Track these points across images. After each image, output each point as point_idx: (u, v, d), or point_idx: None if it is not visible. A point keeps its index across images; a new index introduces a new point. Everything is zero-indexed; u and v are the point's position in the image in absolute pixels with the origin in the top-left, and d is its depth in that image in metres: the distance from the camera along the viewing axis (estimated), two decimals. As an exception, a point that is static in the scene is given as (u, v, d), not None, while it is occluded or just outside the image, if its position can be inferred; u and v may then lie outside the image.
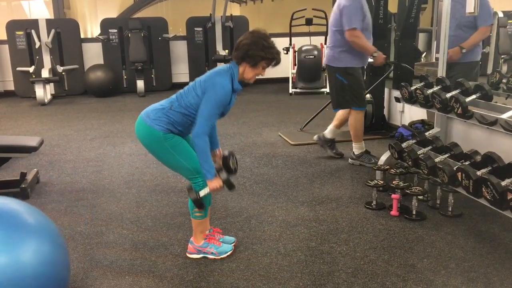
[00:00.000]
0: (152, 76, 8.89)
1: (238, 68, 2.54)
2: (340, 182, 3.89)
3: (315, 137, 4.60)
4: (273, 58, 2.53)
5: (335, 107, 4.37)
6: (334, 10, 4.12)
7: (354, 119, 4.23)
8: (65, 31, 8.55)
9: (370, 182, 3.40)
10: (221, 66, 2.62)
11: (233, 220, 3.18)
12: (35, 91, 7.81)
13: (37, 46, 8.20)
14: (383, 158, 3.85)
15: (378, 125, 5.45)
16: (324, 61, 4.24)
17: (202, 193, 2.52)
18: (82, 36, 8.90)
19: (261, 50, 2.48)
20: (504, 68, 5.33)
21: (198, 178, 2.55)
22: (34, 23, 8.33)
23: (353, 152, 4.34)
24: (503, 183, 2.59)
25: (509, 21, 5.49)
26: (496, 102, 3.21)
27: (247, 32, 2.56)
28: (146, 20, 8.92)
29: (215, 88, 2.46)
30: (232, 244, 2.79)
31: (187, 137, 2.63)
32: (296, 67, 8.40)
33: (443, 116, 3.53)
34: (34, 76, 8.02)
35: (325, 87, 8.35)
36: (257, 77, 2.61)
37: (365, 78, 4.94)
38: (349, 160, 4.38)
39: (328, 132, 4.49)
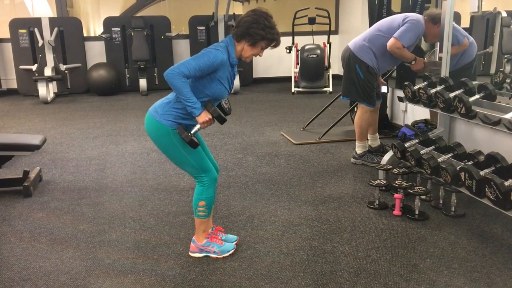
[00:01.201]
0: (155, 75, 8.89)
1: (235, 44, 2.51)
2: (342, 182, 3.89)
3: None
4: (273, 39, 2.49)
5: (344, 95, 4.37)
6: (391, 18, 4.09)
7: (360, 117, 4.22)
8: (68, 30, 8.55)
9: (372, 181, 3.40)
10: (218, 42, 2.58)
11: (236, 219, 3.18)
12: (38, 90, 7.82)
13: (40, 45, 8.20)
14: (385, 158, 3.84)
15: (381, 125, 5.41)
16: (350, 45, 4.14)
17: (193, 130, 2.47)
18: (85, 35, 8.89)
19: (261, 30, 2.44)
20: (508, 68, 5.30)
21: (204, 177, 2.55)
22: (37, 22, 8.34)
23: (356, 152, 4.33)
24: (507, 183, 2.58)
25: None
26: (500, 102, 3.20)
27: (250, 10, 2.51)
28: (149, 19, 8.92)
29: (206, 51, 2.43)
30: (234, 243, 2.79)
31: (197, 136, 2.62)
32: (298, 66, 8.39)
33: (446, 115, 3.52)
34: (37, 75, 8.02)
35: (328, 86, 8.36)
36: (254, 56, 2.56)
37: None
38: (351, 159, 4.37)
39: (371, 142, 4.45)
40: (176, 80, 2.36)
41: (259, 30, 2.44)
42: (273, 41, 2.50)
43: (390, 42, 3.90)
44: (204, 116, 2.43)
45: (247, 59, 2.56)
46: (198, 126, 2.47)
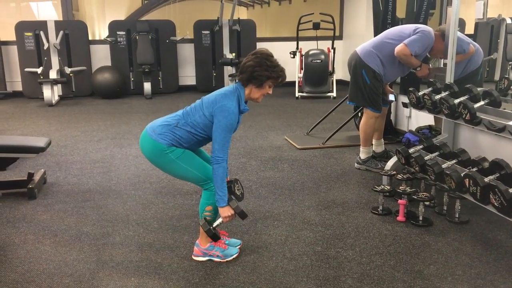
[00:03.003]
0: (159, 78, 8.92)
1: (244, 90, 2.58)
2: (346, 187, 3.89)
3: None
4: (278, 76, 2.55)
5: (351, 100, 4.37)
6: (402, 27, 4.10)
7: (366, 123, 4.20)
8: (73, 33, 8.60)
9: (376, 187, 3.39)
10: (227, 87, 2.64)
11: (239, 223, 3.18)
12: (42, 92, 7.86)
13: (45, 47, 8.25)
14: (390, 164, 3.83)
15: (385, 130, 5.41)
16: (358, 50, 4.15)
17: (215, 224, 2.57)
18: (90, 38, 8.94)
19: (265, 70, 2.51)
20: (512, 74, 5.30)
21: (210, 183, 2.56)
22: (42, 25, 8.39)
23: (360, 157, 4.33)
24: (511, 190, 2.57)
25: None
26: (505, 109, 3.20)
27: (250, 54, 2.58)
28: (154, 23, 8.96)
29: (223, 113, 2.48)
30: (238, 247, 2.79)
31: (194, 150, 2.66)
32: (302, 71, 8.40)
33: (451, 122, 3.52)
34: (42, 77, 8.07)
35: (332, 91, 8.37)
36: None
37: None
38: (355, 164, 4.37)
39: (376, 147, 4.46)
40: (220, 168, 2.47)
41: (263, 72, 2.51)
42: (279, 78, 2.57)
43: (399, 47, 3.89)
44: (227, 211, 2.52)
45: (257, 99, 2.63)
46: (220, 220, 2.57)
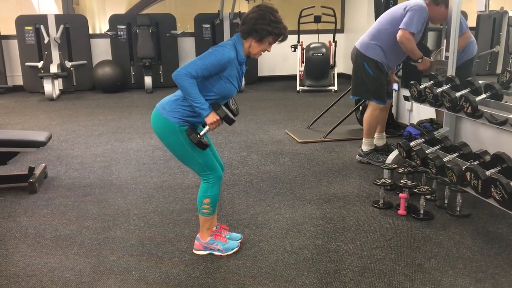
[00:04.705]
0: (160, 72, 8.91)
1: (243, 42, 2.50)
2: (347, 181, 3.88)
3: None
4: (280, 33, 2.47)
5: (354, 94, 4.37)
6: (392, 10, 4.05)
7: (370, 114, 4.19)
8: (73, 27, 8.58)
9: (377, 180, 3.39)
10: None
11: (240, 217, 3.18)
12: (43, 86, 7.85)
13: (45, 42, 8.23)
14: (391, 157, 3.83)
15: (386, 124, 5.42)
16: (357, 44, 4.13)
17: (202, 132, 2.47)
18: (90, 32, 8.91)
19: (268, 25, 2.42)
20: (514, 67, 5.27)
21: (209, 175, 2.55)
22: (43, 19, 8.36)
23: (362, 149, 4.32)
24: (513, 184, 2.57)
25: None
26: (506, 102, 3.18)
27: (254, 6, 2.49)
28: (155, 16, 8.93)
29: (215, 48, 2.43)
30: (239, 241, 2.78)
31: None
32: (304, 65, 8.38)
33: (452, 115, 3.51)
34: (42, 71, 8.06)
35: (333, 85, 8.34)
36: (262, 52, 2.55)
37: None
38: (357, 157, 4.36)
39: (377, 141, 4.43)
40: (184, 81, 2.36)
41: (266, 26, 2.42)
42: (280, 35, 2.48)
43: (399, 34, 3.85)
44: (212, 117, 2.41)
45: (255, 55, 2.54)
46: (207, 128, 2.46)
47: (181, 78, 2.36)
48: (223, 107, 2.45)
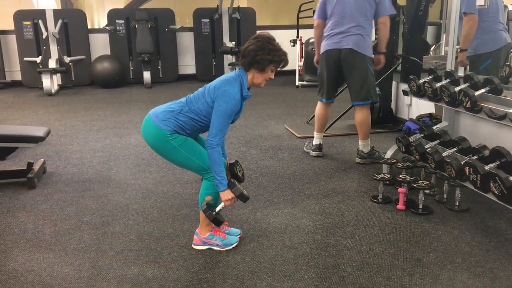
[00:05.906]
0: (159, 67, 8.89)
1: (246, 75, 2.55)
2: (346, 176, 3.88)
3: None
4: (281, 60, 2.54)
5: (365, 99, 4.04)
6: None
7: (367, 115, 4.09)
8: (72, 22, 8.55)
9: (376, 175, 3.39)
10: (230, 73, 2.62)
11: (239, 212, 3.18)
12: (42, 82, 7.83)
13: (44, 37, 8.20)
14: (390, 152, 3.82)
15: (385, 119, 5.42)
16: (350, 46, 3.90)
17: (217, 209, 2.55)
18: (89, 27, 8.89)
19: (267, 54, 2.48)
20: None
21: (210, 173, 2.55)
22: (41, 13, 8.33)
23: (362, 151, 4.17)
24: (511, 178, 2.57)
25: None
26: (506, 96, 3.18)
27: (251, 38, 2.56)
28: (153, 11, 8.90)
29: (224, 97, 2.46)
30: (238, 236, 2.79)
31: (195, 137, 2.64)
32: (303, 60, 8.36)
33: (451, 110, 3.50)
34: (41, 67, 8.04)
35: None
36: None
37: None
38: (357, 159, 4.20)
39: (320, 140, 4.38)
40: (215, 153, 2.44)
41: (266, 55, 2.48)
42: (281, 62, 2.55)
43: (382, 20, 3.89)
44: (228, 194, 2.50)
45: (260, 84, 2.60)
46: (222, 204, 2.55)
47: (216, 150, 2.44)
48: (238, 185, 2.54)
